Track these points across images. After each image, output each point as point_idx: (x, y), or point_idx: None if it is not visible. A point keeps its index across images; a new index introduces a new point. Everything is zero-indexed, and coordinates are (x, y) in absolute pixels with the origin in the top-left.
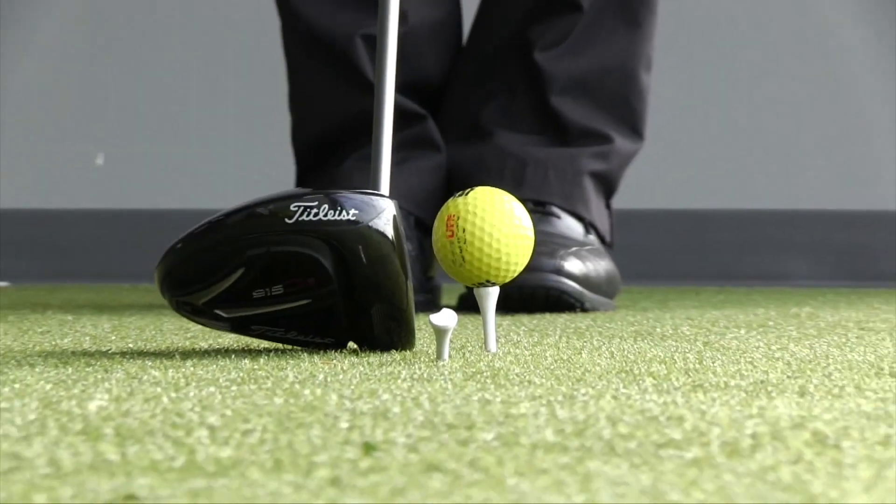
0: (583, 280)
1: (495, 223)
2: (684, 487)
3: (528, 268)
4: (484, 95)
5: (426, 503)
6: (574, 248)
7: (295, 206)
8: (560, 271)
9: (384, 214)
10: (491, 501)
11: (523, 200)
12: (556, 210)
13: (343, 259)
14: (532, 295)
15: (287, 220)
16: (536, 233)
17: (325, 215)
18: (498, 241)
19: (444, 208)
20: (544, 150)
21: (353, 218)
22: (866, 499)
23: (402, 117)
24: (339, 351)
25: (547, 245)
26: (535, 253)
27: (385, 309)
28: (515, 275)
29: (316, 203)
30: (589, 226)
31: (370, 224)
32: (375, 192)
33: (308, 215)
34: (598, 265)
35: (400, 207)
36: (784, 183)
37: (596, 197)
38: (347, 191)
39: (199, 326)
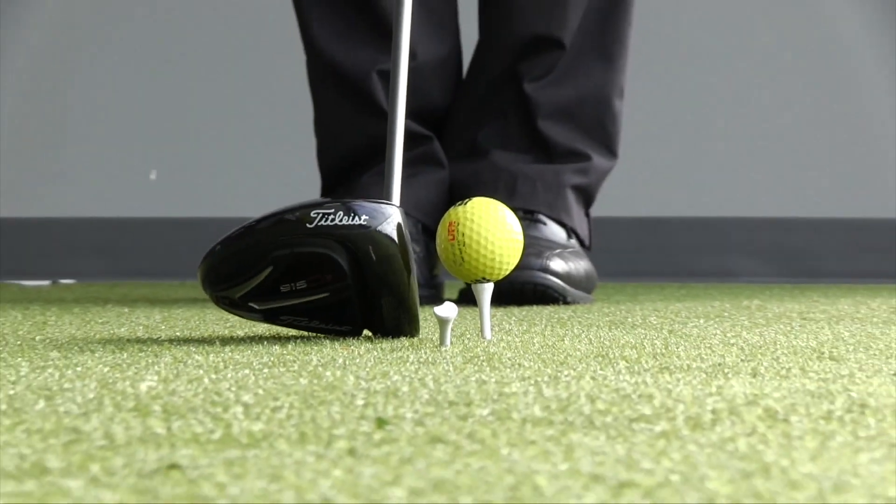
0: (565, 277)
1: (490, 229)
2: (654, 457)
3: (519, 266)
4: (481, 121)
5: (431, 470)
6: (558, 250)
7: (315, 213)
8: (546, 269)
9: (391, 220)
10: (487, 469)
11: (514, 209)
12: (542, 217)
13: (356, 258)
14: (522, 289)
15: (308, 225)
16: (525, 237)
17: (341, 220)
18: (492, 244)
19: (446, 216)
20: (533, 167)
21: (364, 223)
22: (812, 466)
23: (412, 139)
24: (356, 338)
25: (535, 247)
26: (525, 254)
27: (393, 300)
28: (507, 273)
29: (333, 210)
30: (571, 231)
31: (379, 228)
32: (384, 200)
33: (326, 220)
34: (579, 265)
35: (408, 215)
36: (735, 194)
37: (577, 206)
38: (360, 200)
39: (236, 317)
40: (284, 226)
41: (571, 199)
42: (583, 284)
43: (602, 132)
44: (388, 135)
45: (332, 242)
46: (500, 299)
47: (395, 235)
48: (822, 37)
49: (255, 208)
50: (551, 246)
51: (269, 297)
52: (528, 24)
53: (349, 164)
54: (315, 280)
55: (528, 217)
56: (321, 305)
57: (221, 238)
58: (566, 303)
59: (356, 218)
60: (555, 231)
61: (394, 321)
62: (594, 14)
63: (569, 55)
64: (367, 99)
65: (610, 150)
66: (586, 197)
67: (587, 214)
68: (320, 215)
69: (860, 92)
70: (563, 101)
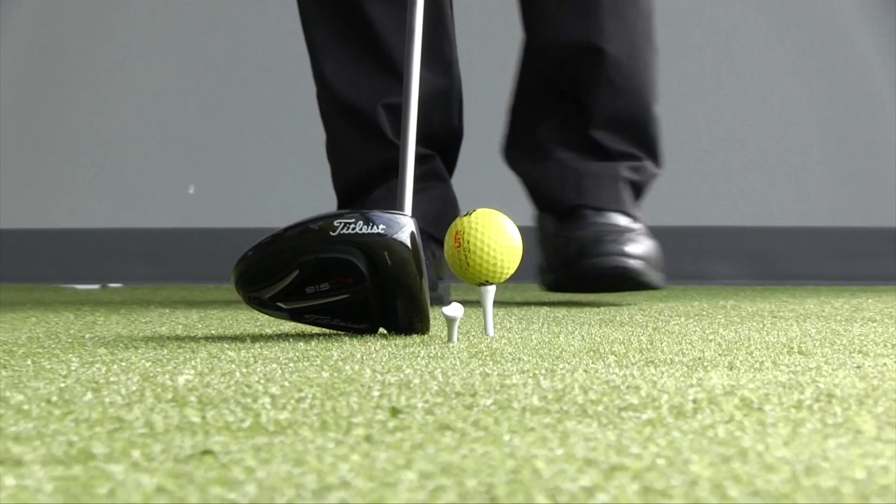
0: (644, 258)
1: (492, 237)
2: (642, 442)
3: (598, 253)
4: (541, 121)
5: (440, 455)
6: (629, 234)
7: (337, 223)
8: (624, 254)
9: (405, 229)
10: (490, 454)
11: (584, 204)
12: (609, 209)
13: (374, 262)
14: (600, 276)
15: (331, 233)
16: (598, 225)
17: (361, 229)
18: (494, 250)
19: (452, 225)
20: (594, 164)
21: (382, 231)
22: (786, 451)
23: (417, 158)
24: (372, 335)
25: (610, 234)
26: (603, 241)
27: (406, 301)
28: (508, 276)
29: (353, 220)
30: (634, 217)
31: (394, 236)
32: (399, 212)
33: (347, 229)
34: (649, 245)
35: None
36: (711, 205)
37: (631, 198)
38: (378, 210)
39: (266, 316)
40: (310, 234)
41: (627, 191)
42: (658, 265)
43: (647, 137)
44: (401, 153)
45: (352, 249)
46: (582, 286)
47: (408, 243)
48: (799, 56)
49: (282, 219)
50: (624, 230)
51: (295, 298)
52: (567, 31)
53: (360, 185)
54: (337, 283)
55: (596, 209)
56: (342, 305)
57: (252, 245)
58: (644, 283)
59: (374, 227)
60: (620, 219)
61: (407, 320)
62: (629, 23)
63: (611, 65)
64: (374, 130)
65: (654, 154)
66: (637, 191)
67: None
68: (342, 224)
69: (829, 113)
70: (612, 111)
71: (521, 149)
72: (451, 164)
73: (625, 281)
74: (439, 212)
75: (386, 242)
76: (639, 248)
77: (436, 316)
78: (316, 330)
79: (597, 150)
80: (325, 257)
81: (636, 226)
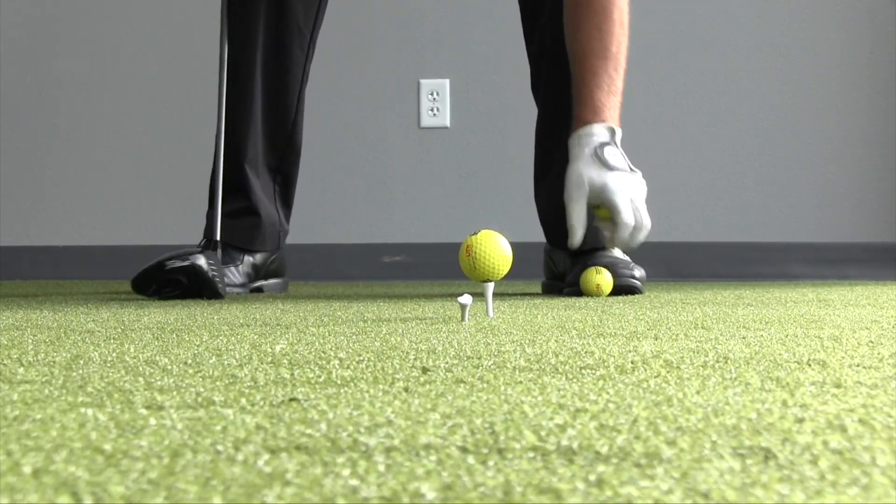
0: (641, 279)
1: (492, 249)
2: (597, 391)
3: (620, 275)
4: (551, 160)
5: (456, 401)
6: (632, 265)
7: (168, 262)
8: (634, 277)
9: (200, 258)
10: (491, 400)
11: (602, 247)
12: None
13: (189, 276)
14: (623, 287)
15: (165, 268)
16: (609, 257)
17: (178, 264)
18: (493, 258)
19: (465, 241)
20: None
21: (188, 263)
22: (698, 398)
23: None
24: (411, 317)
25: (624, 265)
26: (621, 267)
27: (209, 292)
28: (502, 276)
29: (177, 259)
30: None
31: (195, 262)
32: (196, 248)
33: (173, 265)
34: (642, 270)
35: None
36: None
37: None
38: (187, 251)
39: (339, 303)
40: (155, 268)
41: None
42: (644, 281)
43: None
44: (211, 195)
45: (178, 272)
46: (615, 292)
47: (204, 265)
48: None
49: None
50: (628, 264)
51: (161, 296)
52: (556, 105)
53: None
54: (175, 288)
55: (604, 248)
56: (180, 294)
57: (137, 272)
58: (639, 293)
59: (185, 261)
60: (621, 254)
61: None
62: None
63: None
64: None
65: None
66: None
67: None
68: (172, 262)
69: (784, 142)
70: None
71: (541, 184)
72: (289, 185)
73: (631, 293)
74: (248, 233)
75: (192, 267)
76: (638, 272)
77: (452, 303)
78: (371, 315)
79: None
80: (166, 278)
81: (627, 257)
